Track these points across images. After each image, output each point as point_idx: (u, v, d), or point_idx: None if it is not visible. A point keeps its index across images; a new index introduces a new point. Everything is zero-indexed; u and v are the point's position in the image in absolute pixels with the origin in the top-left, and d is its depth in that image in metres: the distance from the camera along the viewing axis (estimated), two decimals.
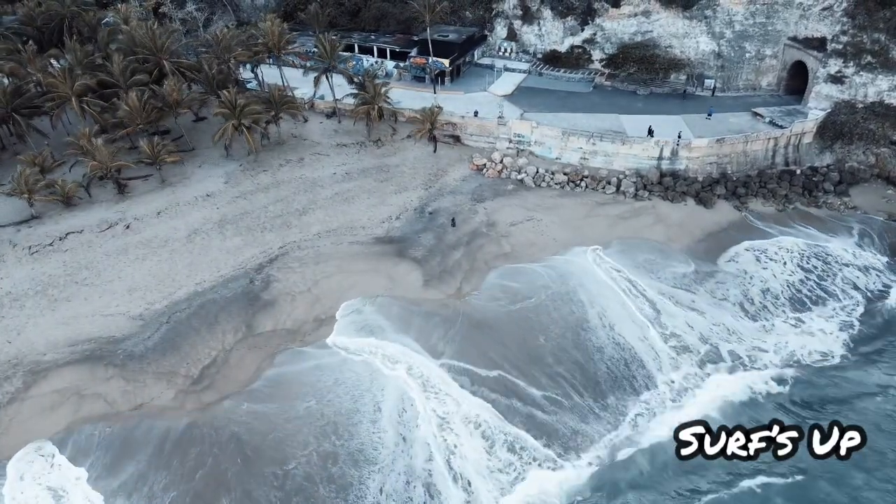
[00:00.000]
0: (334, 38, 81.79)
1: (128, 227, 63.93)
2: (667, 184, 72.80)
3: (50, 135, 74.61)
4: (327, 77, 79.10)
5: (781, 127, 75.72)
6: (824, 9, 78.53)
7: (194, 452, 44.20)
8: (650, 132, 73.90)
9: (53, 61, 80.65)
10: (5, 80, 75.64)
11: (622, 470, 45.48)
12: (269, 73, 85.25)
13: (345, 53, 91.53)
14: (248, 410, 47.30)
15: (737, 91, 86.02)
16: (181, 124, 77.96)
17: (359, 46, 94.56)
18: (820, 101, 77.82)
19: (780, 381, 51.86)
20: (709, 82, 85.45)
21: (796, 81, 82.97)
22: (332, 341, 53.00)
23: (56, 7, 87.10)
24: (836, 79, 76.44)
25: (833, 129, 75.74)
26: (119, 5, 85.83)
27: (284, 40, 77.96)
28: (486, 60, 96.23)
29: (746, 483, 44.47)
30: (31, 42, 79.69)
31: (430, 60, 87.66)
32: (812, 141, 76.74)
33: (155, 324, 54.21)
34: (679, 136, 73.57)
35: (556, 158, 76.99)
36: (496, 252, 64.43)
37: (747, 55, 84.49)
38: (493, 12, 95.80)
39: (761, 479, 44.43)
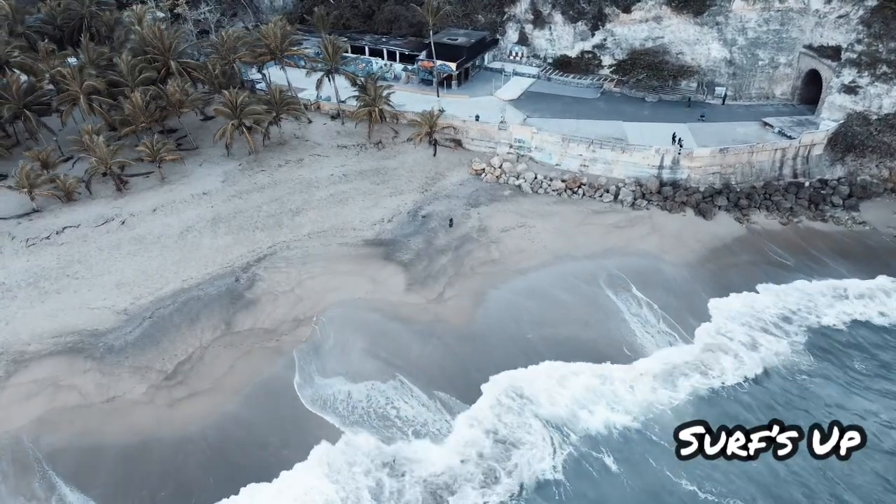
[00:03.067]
0: (342, 39, 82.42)
1: (123, 222, 65.43)
2: (666, 193, 71.27)
3: (60, 131, 76.87)
4: (329, 79, 79.71)
5: (790, 137, 73.42)
6: (840, 16, 75.88)
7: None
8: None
9: (72, 59, 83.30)
10: (22, 77, 78.50)
11: None
12: (280, 75, 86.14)
13: (351, 55, 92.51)
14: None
15: (749, 100, 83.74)
16: (188, 123, 79.76)
17: (369, 49, 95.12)
18: (833, 111, 75.13)
19: None
20: (719, 90, 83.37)
21: (811, 91, 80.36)
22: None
23: (76, 7, 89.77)
24: (850, 89, 73.73)
25: (845, 141, 73.09)
26: (135, 6, 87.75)
27: (287, 42, 78.64)
28: (496, 64, 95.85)
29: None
30: (46, 40, 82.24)
31: (438, 64, 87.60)
32: (823, 153, 74.19)
33: (138, 319, 55.24)
34: (680, 145, 72.01)
35: (556, 165, 76.13)
36: (484, 258, 63.96)
37: (760, 63, 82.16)
38: (505, 16, 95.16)
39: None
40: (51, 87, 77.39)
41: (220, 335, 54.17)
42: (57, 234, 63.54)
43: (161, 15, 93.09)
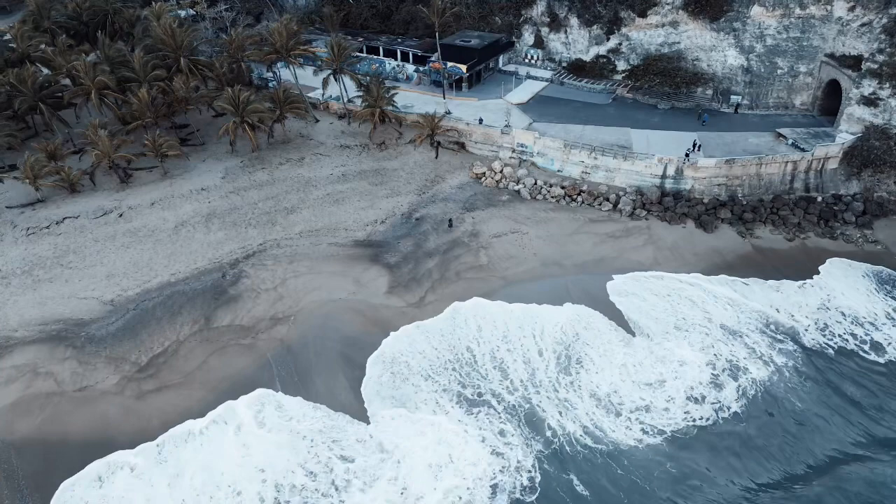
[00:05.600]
0: (358, 39, 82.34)
1: (121, 215, 66.91)
2: (667, 204, 69.19)
3: (77, 124, 79.21)
4: (335, 78, 79.99)
5: (803, 150, 70.43)
6: (863, 24, 72.43)
7: None
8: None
9: (93, 55, 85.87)
10: (43, 71, 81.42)
11: None
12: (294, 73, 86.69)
13: (365, 55, 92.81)
14: None
15: (766, 109, 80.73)
16: (201, 120, 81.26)
17: (384, 49, 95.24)
18: (851, 123, 71.80)
19: None
20: (735, 98, 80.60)
21: (832, 102, 76.93)
22: None
23: (100, 3, 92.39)
24: (870, 101, 70.28)
25: (861, 156, 69.65)
26: (155, 4, 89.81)
27: (293, 42, 79.20)
28: (511, 67, 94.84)
29: None
30: (64, 36, 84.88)
31: (448, 66, 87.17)
32: (838, 167, 70.90)
33: (122, 310, 56.30)
34: (688, 154, 69.90)
35: (558, 171, 74.78)
36: (471, 263, 63.23)
37: (779, 71, 79.10)
38: (522, 18, 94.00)
39: None
40: (68, 81, 79.64)
41: (198, 330, 54.80)
42: (57, 224, 65.38)
43: (182, 13, 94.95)
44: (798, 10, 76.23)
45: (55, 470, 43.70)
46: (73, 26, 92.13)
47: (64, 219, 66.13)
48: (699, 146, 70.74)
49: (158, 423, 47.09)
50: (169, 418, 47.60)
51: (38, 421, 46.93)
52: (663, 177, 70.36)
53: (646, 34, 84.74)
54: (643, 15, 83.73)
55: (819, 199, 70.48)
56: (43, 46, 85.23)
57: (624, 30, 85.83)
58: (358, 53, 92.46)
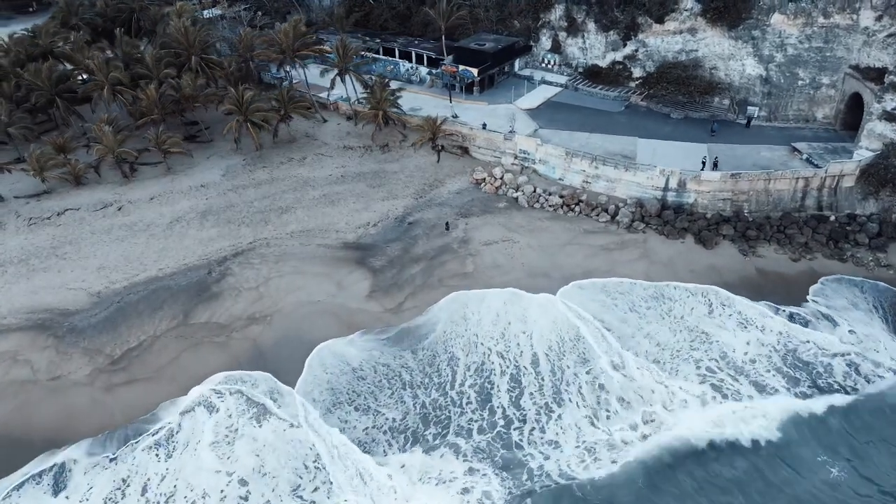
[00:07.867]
0: (376, 40, 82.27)
1: (120, 209, 68.49)
2: (666, 217, 66.80)
3: (91, 119, 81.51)
4: (342, 79, 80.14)
5: (816, 166, 67.02)
6: (889, 35, 68.51)
7: None
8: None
9: (108, 52, 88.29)
10: (65, 66, 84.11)
11: None
12: (307, 73, 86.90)
13: (382, 57, 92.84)
14: None
15: (785, 122, 77.22)
16: (214, 117, 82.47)
17: (399, 51, 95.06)
18: (872, 140, 67.88)
19: None
20: (752, 110, 77.33)
21: (855, 116, 72.96)
22: None
23: (126, 1, 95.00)
24: (892, 116, 66.26)
25: (879, 174, 65.67)
26: (176, 3, 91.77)
27: (300, 42, 79.61)
28: (527, 71, 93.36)
29: None
30: (81, 32, 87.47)
31: (460, 69, 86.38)
32: (854, 185, 67.11)
33: (107, 302, 57.42)
34: (704, 164, 67.46)
35: (559, 179, 73.14)
36: (456, 270, 62.27)
37: (800, 83, 75.52)
38: (540, 22, 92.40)
39: None
40: (86, 76, 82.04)
41: (176, 326, 55.45)
42: (58, 215, 67.31)
43: (206, 13, 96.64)
44: (821, 19, 72.56)
45: (6, 464, 44.78)
46: (99, 23, 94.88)
47: (65, 210, 68.07)
48: (716, 163, 68.01)
49: (122, 418, 47.82)
50: (133, 413, 48.28)
51: (9, 409, 48.22)
52: (665, 189, 67.97)
53: (663, 41, 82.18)
54: (661, 21, 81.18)
55: (832, 218, 66.92)
56: (62, 43, 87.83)
57: (641, 36, 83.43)
58: (374, 55, 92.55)
